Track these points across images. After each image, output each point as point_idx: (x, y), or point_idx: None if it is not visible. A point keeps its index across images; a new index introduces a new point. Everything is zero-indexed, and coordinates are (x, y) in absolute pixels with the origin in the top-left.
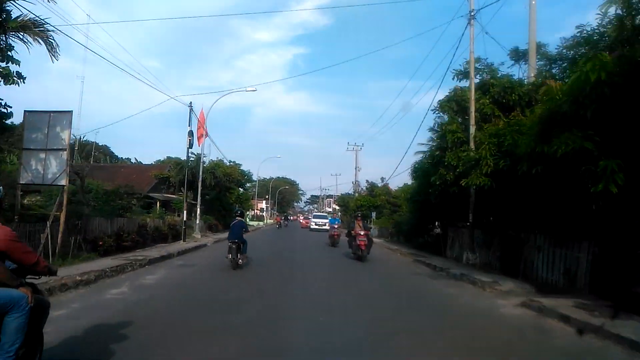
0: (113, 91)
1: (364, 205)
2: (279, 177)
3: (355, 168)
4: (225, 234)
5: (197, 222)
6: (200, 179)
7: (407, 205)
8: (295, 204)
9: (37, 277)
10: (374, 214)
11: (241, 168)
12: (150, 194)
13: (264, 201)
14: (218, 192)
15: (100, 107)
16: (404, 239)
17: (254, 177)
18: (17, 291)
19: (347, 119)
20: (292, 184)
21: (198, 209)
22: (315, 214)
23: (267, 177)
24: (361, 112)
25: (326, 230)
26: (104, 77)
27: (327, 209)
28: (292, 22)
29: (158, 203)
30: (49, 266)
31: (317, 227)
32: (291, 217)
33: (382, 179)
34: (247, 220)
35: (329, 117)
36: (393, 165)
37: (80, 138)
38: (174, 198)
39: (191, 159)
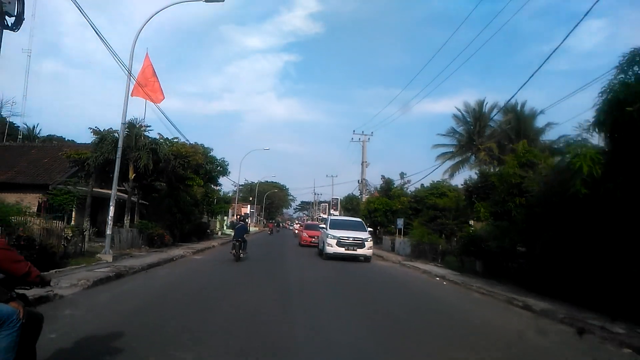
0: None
1: (378, 209)
2: (267, 180)
3: (362, 163)
4: (182, 248)
5: (108, 231)
6: (129, 159)
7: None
8: (285, 210)
9: (29, 288)
10: (401, 222)
11: (212, 154)
12: (66, 186)
13: (249, 205)
14: (170, 187)
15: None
16: (482, 266)
17: (233, 173)
18: (6, 306)
19: (340, 125)
20: (282, 189)
21: (110, 210)
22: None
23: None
24: (353, 119)
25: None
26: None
27: (322, 215)
28: (284, 30)
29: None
30: (42, 276)
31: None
32: (283, 224)
33: (402, 175)
34: (225, 227)
35: (320, 124)
36: (398, 166)
37: None
38: (104, 193)
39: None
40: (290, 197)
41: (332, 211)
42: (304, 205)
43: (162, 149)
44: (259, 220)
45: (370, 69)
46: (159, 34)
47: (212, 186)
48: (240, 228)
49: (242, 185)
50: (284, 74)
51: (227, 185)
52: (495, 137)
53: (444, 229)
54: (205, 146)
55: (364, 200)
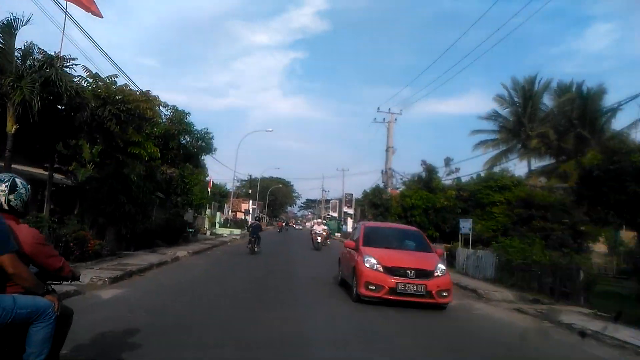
0: None
1: (416, 206)
2: (272, 177)
3: (387, 150)
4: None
5: None
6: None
7: None
8: (289, 207)
9: (59, 283)
10: (468, 225)
11: (190, 122)
12: None
13: (250, 201)
14: (107, 157)
15: None
16: None
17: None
18: (43, 299)
19: (344, 124)
20: (286, 185)
21: None
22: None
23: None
24: (358, 118)
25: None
26: None
27: (332, 214)
28: (291, 27)
29: None
30: (73, 271)
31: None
32: (289, 223)
33: (448, 161)
34: (217, 225)
35: (326, 122)
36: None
37: None
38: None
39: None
40: (295, 195)
41: (345, 209)
42: (310, 203)
43: (65, 80)
44: (262, 218)
45: (377, 67)
46: (165, 29)
47: (192, 167)
48: (256, 227)
49: (245, 180)
50: (290, 71)
51: (224, 176)
52: (550, 121)
53: (553, 238)
54: (180, 109)
55: (401, 192)
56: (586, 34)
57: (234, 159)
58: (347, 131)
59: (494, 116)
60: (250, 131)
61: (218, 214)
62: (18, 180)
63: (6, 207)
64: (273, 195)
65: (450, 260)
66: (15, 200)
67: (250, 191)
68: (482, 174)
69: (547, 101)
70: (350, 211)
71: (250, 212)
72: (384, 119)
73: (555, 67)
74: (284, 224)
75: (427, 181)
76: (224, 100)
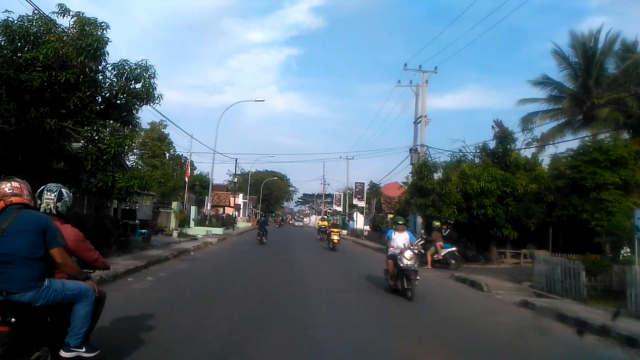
0: None
1: (488, 190)
2: (266, 170)
3: (421, 119)
4: None
5: None
6: None
7: None
8: (285, 203)
9: (92, 271)
10: None
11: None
12: None
13: (241, 195)
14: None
15: None
16: None
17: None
18: (85, 283)
19: (340, 121)
20: (282, 178)
21: None
22: None
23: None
24: (354, 114)
25: None
26: None
27: (336, 208)
28: (286, 23)
29: None
30: (105, 262)
31: None
32: (285, 218)
33: (526, 122)
34: (192, 222)
35: (322, 119)
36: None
37: None
38: None
39: None
40: (292, 189)
41: (355, 201)
42: (307, 198)
43: None
44: (255, 214)
45: (372, 63)
46: (160, 27)
47: (114, 123)
48: (263, 222)
49: (238, 174)
50: (286, 68)
51: (217, 173)
52: (621, 86)
53: None
54: (91, 17)
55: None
56: None
57: (231, 156)
58: (341, 127)
59: (545, 82)
60: (237, 101)
61: (193, 208)
62: (64, 191)
63: (54, 212)
64: (268, 189)
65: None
66: (61, 206)
67: (236, 179)
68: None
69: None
70: (362, 204)
71: (242, 207)
72: (411, 81)
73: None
74: (280, 220)
75: (501, 154)
76: (220, 98)
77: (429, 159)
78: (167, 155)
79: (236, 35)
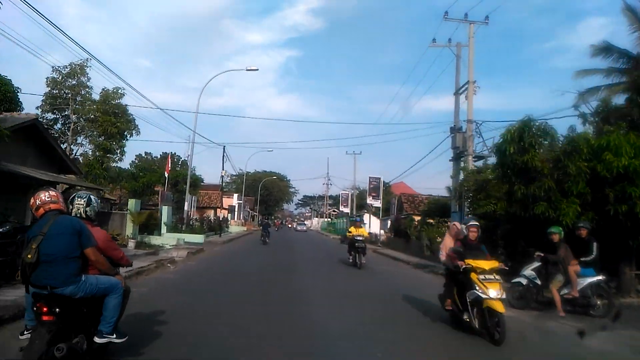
0: None
1: (636, 170)
2: (265, 171)
3: (462, 91)
4: None
5: None
6: None
7: None
8: (285, 205)
9: (118, 268)
10: None
11: None
12: None
13: (235, 195)
14: None
15: None
16: None
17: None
18: (114, 278)
19: (340, 122)
20: (282, 179)
21: None
22: None
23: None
24: (354, 116)
25: None
26: None
27: (342, 209)
28: (285, 25)
29: None
30: (129, 259)
31: None
32: (285, 222)
33: None
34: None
35: (321, 120)
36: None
37: None
38: None
39: None
40: (292, 190)
41: (370, 200)
42: (308, 200)
43: None
44: (252, 216)
45: (371, 65)
46: (159, 29)
47: None
48: (266, 225)
49: (235, 175)
50: (285, 70)
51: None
52: None
53: None
54: None
55: (469, 168)
56: None
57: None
58: (339, 129)
59: (606, 49)
60: (225, 71)
61: (166, 209)
62: (92, 197)
63: (84, 216)
64: (267, 189)
65: None
66: (90, 211)
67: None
68: None
69: None
70: (377, 203)
71: (236, 208)
72: (449, 40)
73: None
74: (280, 223)
75: None
76: (219, 100)
77: (475, 137)
78: (129, 136)
79: (235, 37)
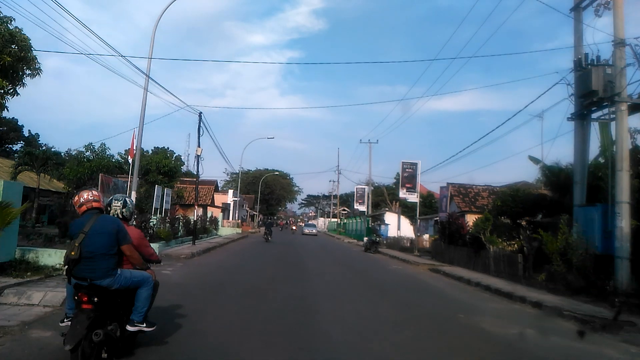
0: None
1: None
2: (266, 169)
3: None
4: None
5: None
6: None
7: None
8: (289, 204)
9: (149, 264)
10: None
11: None
12: None
13: (231, 192)
14: None
15: None
16: None
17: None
18: (146, 272)
19: (341, 123)
20: (285, 177)
21: None
22: None
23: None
24: (355, 117)
25: None
26: None
27: (357, 207)
28: (287, 26)
29: None
30: (159, 256)
31: None
32: (288, 223)
33: None
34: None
35: (323, 121)
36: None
37: None
38: None
39: None
40: (296, 189)
41: (403, 194)
42: (312, 200)
43: None
44: (252, 216)
45: (373, 66)
46: (161, 31)
47: None
48: (269, 224)
49: (235, 173)
50: (287, 71)
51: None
52: None
53: None
54: None
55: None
56: None
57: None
58: (343, 130)
59: None
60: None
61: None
62: (128, 200)
63: (120, 216)
64: (268, 187)
65: None
66: (126, 211)
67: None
68: None
69: None
70: (413, 198)
71: (231, 207)
72: None
73: None
74: (284, 223)
75: None
76: (221, 101)
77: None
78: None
79: (237, 39)
